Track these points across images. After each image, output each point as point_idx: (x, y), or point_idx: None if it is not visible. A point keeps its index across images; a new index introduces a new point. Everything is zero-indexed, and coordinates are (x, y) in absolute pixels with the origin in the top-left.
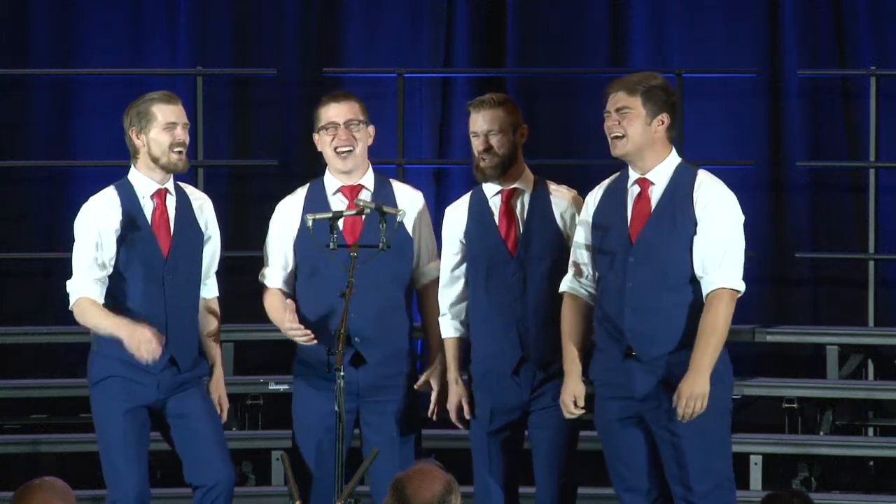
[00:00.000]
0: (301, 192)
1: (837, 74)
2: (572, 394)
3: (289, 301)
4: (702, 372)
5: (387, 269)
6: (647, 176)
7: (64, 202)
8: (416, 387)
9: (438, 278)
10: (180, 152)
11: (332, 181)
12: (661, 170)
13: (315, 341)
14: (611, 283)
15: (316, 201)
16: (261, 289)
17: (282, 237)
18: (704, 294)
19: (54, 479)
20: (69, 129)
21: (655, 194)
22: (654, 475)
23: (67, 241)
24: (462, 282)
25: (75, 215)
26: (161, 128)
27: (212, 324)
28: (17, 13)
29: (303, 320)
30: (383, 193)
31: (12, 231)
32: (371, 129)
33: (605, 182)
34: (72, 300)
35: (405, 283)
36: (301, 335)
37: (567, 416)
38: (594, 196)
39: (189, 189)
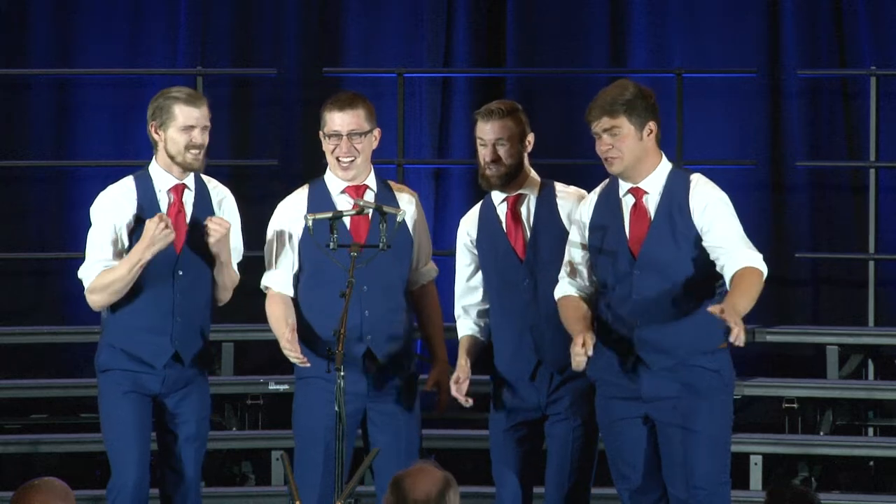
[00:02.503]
0: (303, 192)
1: (837, 74)
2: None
3: (291, 320)
4: (739, 310)
5: (394, 270)
6: (640, 185)
7: (63, 202)
8: (425, 388)
9: (434, 280)
10: (196, 154)
11: (335, 181)
12: (654, 178)
13: (308, 364)
14: (615, 296)
15: (321, 201)
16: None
17: (286, 239)
18: (733, 272)
19: (54, 479)
20: (69, 129)
21: (651, 203)
22: (658, 475)
23: (67, 240)
24: (479, 291)
25: (75, 215)
26: (179, 128)
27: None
28: (17, 13)
29: (306, 321)
30: (385, 194)
31: (12, 231)
32: (377, 132)
33: (597, 190)
34: (85, 285)
35: (406, 285)
36: (295, 357)
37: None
38: (588, 206)
39: (212, 184)
